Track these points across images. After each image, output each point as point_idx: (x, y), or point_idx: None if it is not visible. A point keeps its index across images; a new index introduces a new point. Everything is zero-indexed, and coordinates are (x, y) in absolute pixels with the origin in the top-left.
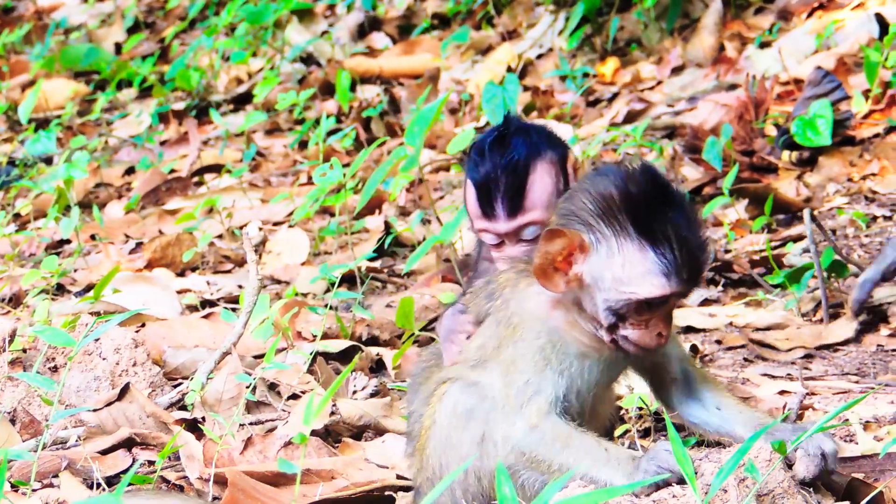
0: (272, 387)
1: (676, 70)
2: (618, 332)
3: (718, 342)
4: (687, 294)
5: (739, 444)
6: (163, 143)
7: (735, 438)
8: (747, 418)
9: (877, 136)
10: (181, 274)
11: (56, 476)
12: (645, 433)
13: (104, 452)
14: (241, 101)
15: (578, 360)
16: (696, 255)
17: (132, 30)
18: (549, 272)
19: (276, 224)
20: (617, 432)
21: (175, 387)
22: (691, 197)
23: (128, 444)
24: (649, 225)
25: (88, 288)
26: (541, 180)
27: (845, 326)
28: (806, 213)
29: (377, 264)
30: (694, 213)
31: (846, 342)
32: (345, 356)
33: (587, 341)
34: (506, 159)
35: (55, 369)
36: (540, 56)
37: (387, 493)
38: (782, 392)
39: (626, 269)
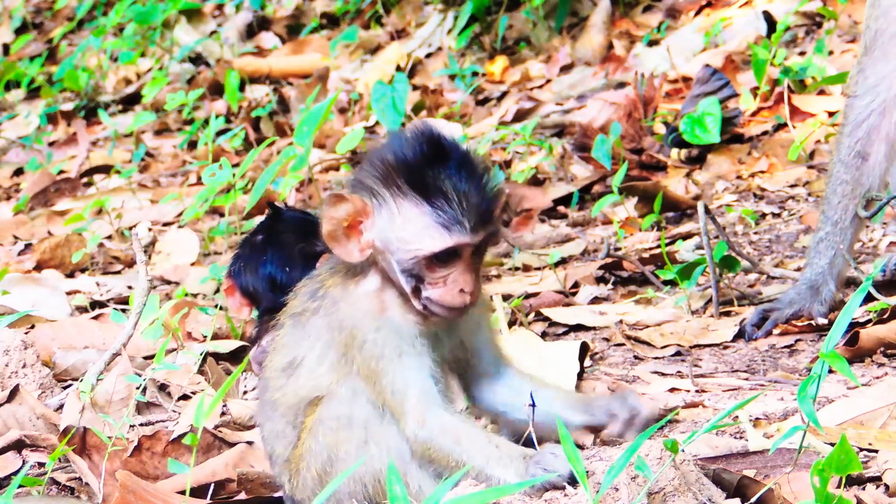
0: (162, 388)
1: (565, 68)
2: (422, 296)
3: (607, 339)
4: (478, 245)
5: (626, 443)
6: (51, 144)
7: (552, 419)
8: (564, 397)
9: (765, 133)
10: (70, 275)
11: None
12: None
13: None
14: (129, 102)
15: (421, 338)
16: (479, 204)
17: (20, 30)
18: (339, 238)
19: (165, 224)
20: None
21: (65, 388)
22: (580, 195)
23: (17, 446)
24: (424, 182)
25: None
26: None
27: (735, 323)
28: (700, 207)
29: None
30: (477, 166)
31: (735, 339)
32: (235, 356)
33: (417, 319)
34: None
35: None
36: (429, 55)
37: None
38: (672, 389)
39: (406, 227)
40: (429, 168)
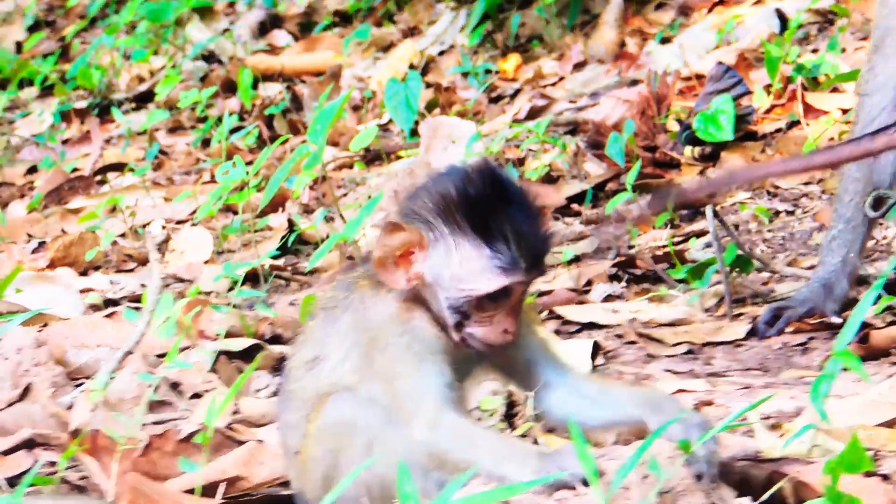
0: (175, 386)
1: (578, 66)
2: (464, 331)
3: (620, 337)
4: (528, 284)
5: (642, 438)
6: (65, 142)
7: (627, 419)
8: (636, 396)
9: (778, 130)
10: (84, 273)
11: None
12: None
13: (5, 453)
14: (143, 100)
15: (442, 354)
16: (534, 246)
17: (33, 28)
18: (388, 266)
19: (179, 222)
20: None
21: (77, 386)
22: (594, 193)
23: (29, 444)
24: (485, 223)
25: None
26: None
27: (747, 321)
28: (708, 210)
29: (280, 262)
30: (533, 208)
31: (748, 337)
32: (248, 355)
33: (443, 339)
34: None
35: None
36: (442, 53)
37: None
38: (680, 390)
39: (463, 266)
40: (490, 208)
